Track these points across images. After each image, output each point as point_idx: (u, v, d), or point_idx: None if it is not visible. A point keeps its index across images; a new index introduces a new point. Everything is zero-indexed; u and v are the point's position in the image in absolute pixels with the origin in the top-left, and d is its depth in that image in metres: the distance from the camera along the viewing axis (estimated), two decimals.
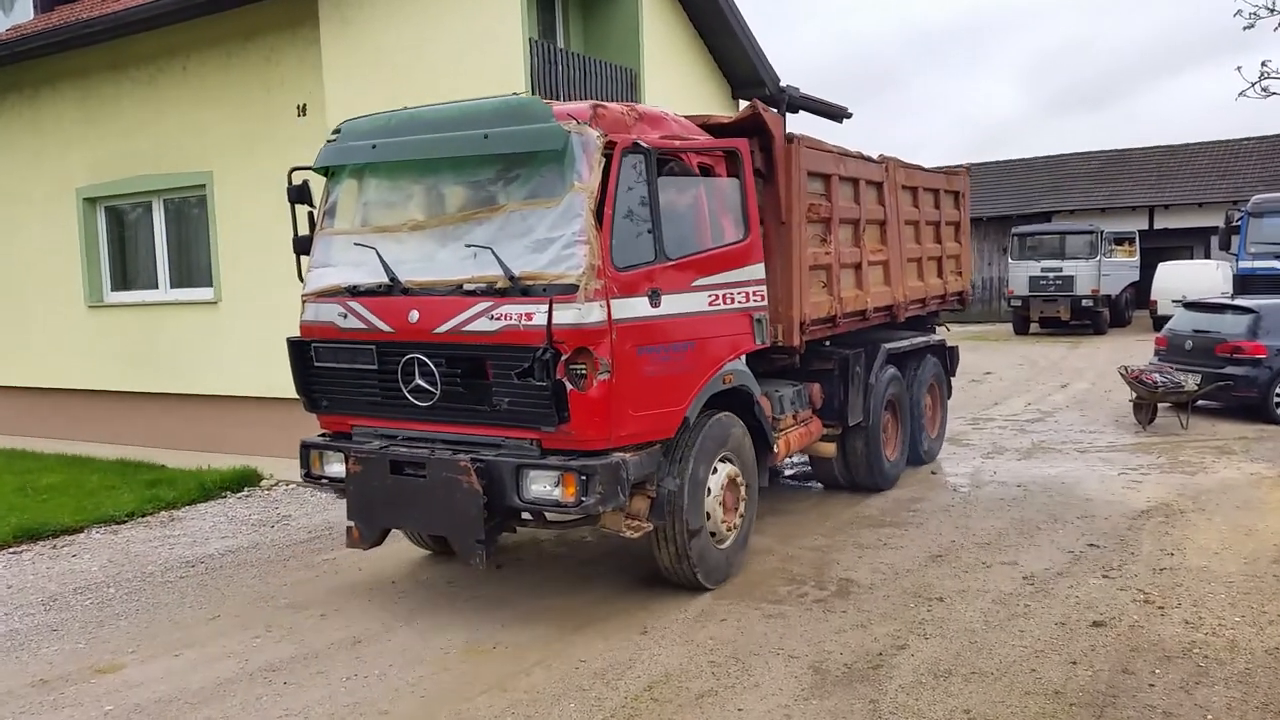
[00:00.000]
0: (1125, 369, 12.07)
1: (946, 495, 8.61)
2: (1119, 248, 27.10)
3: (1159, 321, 21.45)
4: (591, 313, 5.32)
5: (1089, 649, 5.17)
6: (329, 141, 6.41)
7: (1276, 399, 11.72)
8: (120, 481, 9.55)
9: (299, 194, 6.46)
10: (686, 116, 6.86)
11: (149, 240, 11.71)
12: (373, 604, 6.24)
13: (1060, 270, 24.78)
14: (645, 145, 5.68)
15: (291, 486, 9.43)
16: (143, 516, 8.54)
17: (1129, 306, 27.61)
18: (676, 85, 15.84)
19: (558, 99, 13.30)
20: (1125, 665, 4.96)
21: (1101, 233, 25.56)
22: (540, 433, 5.52)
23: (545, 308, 5.27)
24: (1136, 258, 27.57)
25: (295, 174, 6.49)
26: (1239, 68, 6.82)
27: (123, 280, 12.11)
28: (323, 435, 6.49)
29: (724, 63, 16.88)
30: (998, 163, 35.94)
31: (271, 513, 8.66)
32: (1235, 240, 16.42)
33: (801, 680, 4.90)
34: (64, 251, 12.10)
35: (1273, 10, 6.76)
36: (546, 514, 5.93)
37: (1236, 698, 4.58)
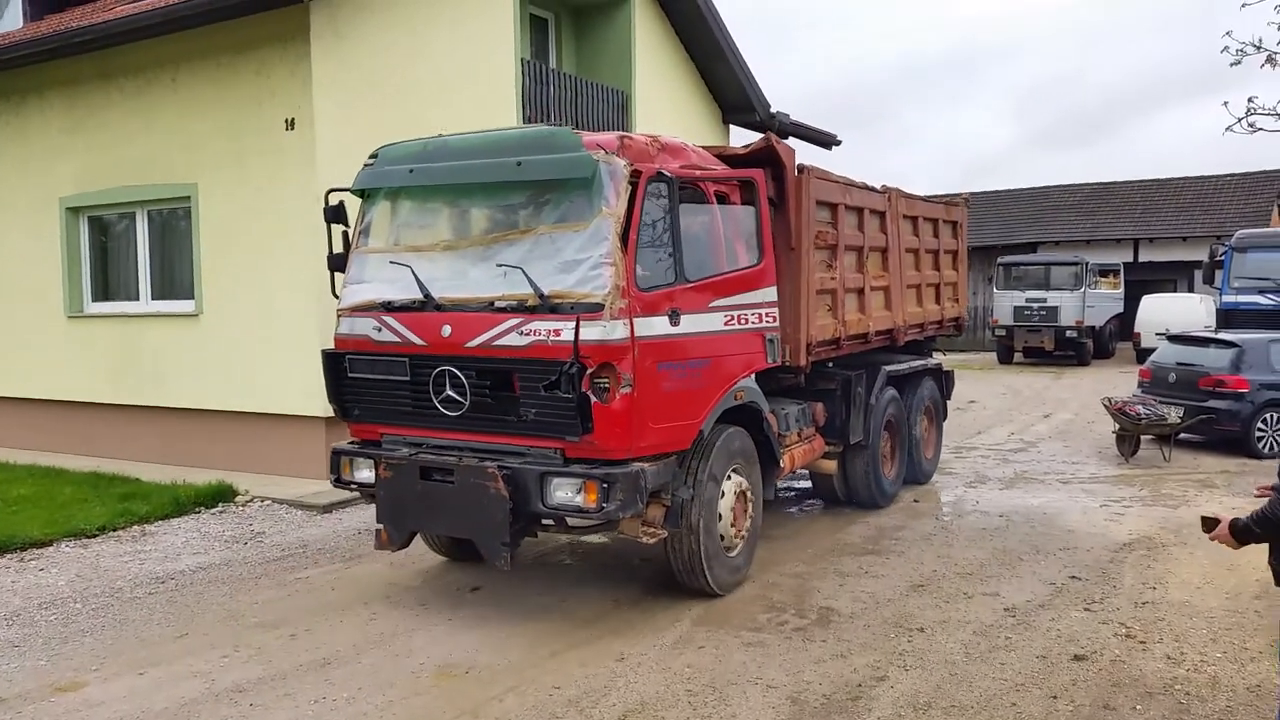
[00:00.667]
0: (1109, 400, 12.08)
1: (929, 524, 8.55)
2: (1104, 279, 27.26)
3: (1142, 354, 21.54)
4: (616, 330, 5.63)
5: (1070, 683, 5.11)
6: (366, 165, 6.74)
7: (1258, 433, 11.74)
8: (93, 494, 9.40)
9: (335, 214, 6.80)
10: (704, 147, 7.10)
11: (132, 251, 11.61)
12: (345, 625, 6.12)
13: (1045, 301, 24.89)
14: (668, 174, 6.02)
15: (267, 503, 9.30)
16: (114, 530, 8.38)
17: (1113, 338, 27.74)
18: (667, 108, 15.88)
19: (548, 120, 13.31)
20: (1106, 701, 4.90)
21: (1086, 264, 25.71)
22: (564, 442, 5.80)
23: (573, 324, 5.52)
24: (1121, 290, 27.73)
25: (332, 195, 6.82)
26: (1226, 103, 6.84)
27: (104, 291, 11.99)
28: (352, 443, 6.74)
29: (715, 87, 16.94)
30: (985, 193, 36.17)
31: (245, 529, 8.53)
32: (1219, 274, 16.50)
33: (779, 711, 4.82)
34: (46, 261, 11.98)
35: (1259, 47, 6.77)
36: (567, 519, 6.16)
37: None
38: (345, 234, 6.94)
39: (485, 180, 6.19)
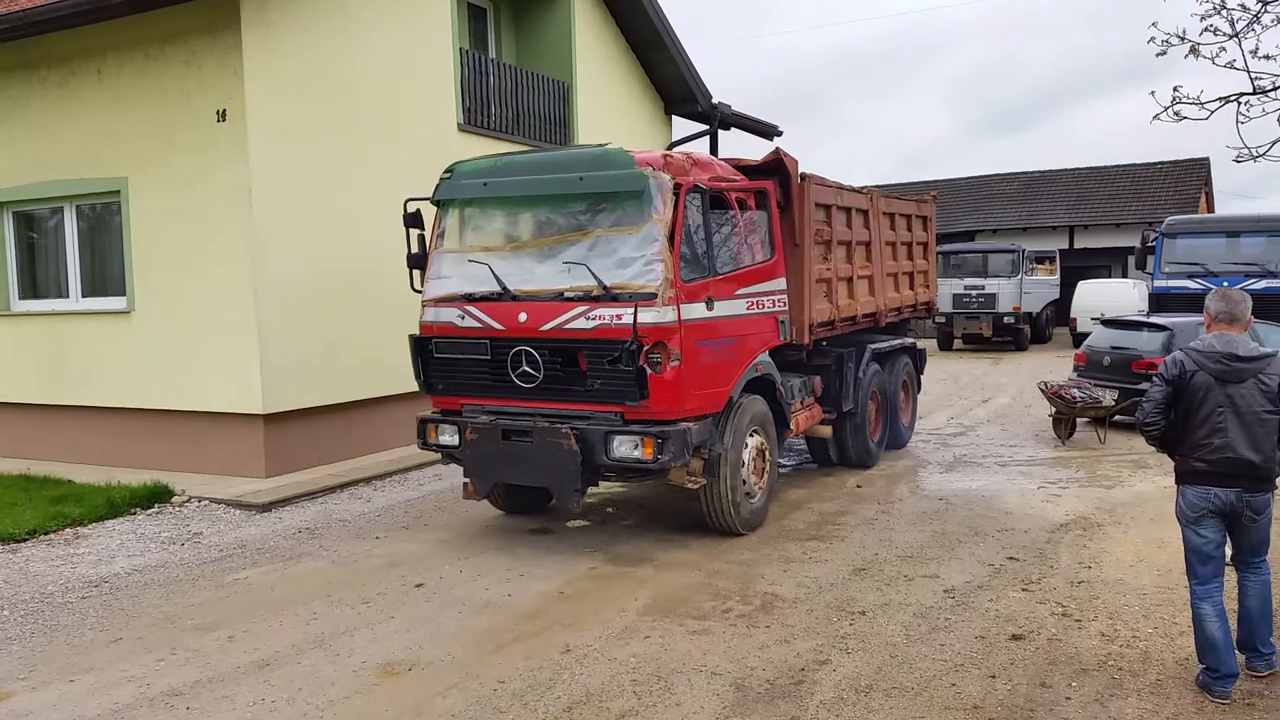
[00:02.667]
0: (1045, 384, 12.32)
1: (870, 508, 8.66)
2: (1040, 266, 27.79)
3: (1078, 338, 22.00)
4: (667, 314, 6.90)
5: (1008, 662, 5.21)
6: (443, 179, 7.90)
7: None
8: (23, 497, 9.12)
9: (412, 220, 7.91)
10: (725, 159, 8.42)
11: (60, 247, 11.28)
12: (284, 625, 6.02)
13: (983, 288, 25.32)
14: (703, 186, 7.28)
15: (204, 503, 9.12)
16: (45, 534, 8.14)
17: (1049, 324, 28.32)
18: (610, 99, 15.84)
19: (488, 109, 13.20)
20: (1043, 679, 5.00)
21: (1023, 252, 26.19)
22: (624, 407, 7.04)
23: (632, 310, 6.80)
24: (1057, 276, 28.29)
25: (409, 203, 7.90)
26: (1153, 92, 6.99)
27: (32, 288, 11.64)
28: (435, 413, 7.88)
29: (657, 78, 16.93)
30: (923, 183, 36.64)
31: (182, 530, 8.35)
32: (1151, 260, 16.90)
33: (723, 698, 4.84)
34: None
35: (1183, 39, 6.93)
36: (628, 470, 7.20)
37: (1149, 709, 4.64)
38: (421, 237, 8.01)
39: (552, 193, 7.38)
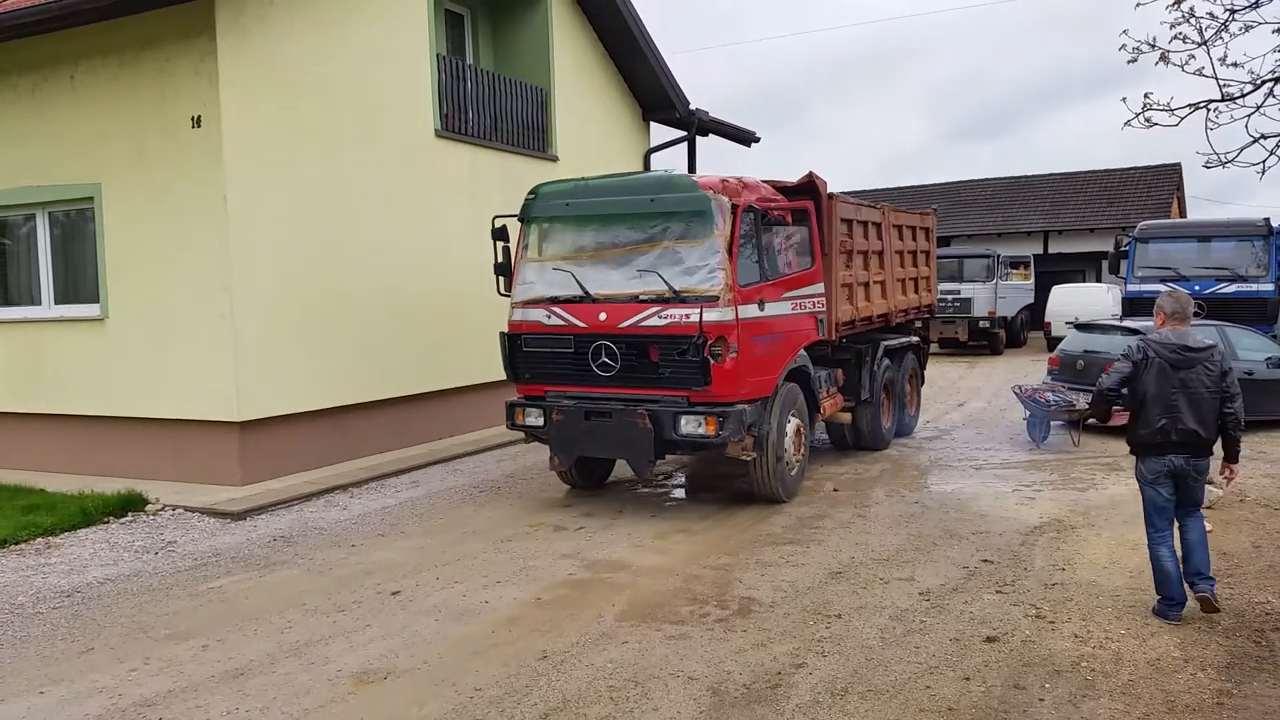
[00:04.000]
0: (1019, 388, 12.42)
1: (847, 512, 8.70)
2: (1015, 271, 28.01)
3: (1053, 342, 22.19)
4: (727, 314, 8.17)
5: (982, 665, 5.24)
6: (528, 199, 9.15)
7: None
8: None
9: (500, 234, 9.31)
10: (765, 181, 9.44)
11: (32, 254, 11.16)
12: (259, 634, 5.98)
13: (958, 292, 25.47)
14: (756, 206, 8.64)
15: (178, 511, 9.05)
16: (16, 544, 8.05)
17: (1024, 328, 28.53)
18: (588, 105, 15.86)
19: (466, 115, 13.19)
20: (1017, 680, 5.04)
21: (998, 256, 26.39)
22: (689, 391, 8.26)
23: (698, 311, 8.08)
24: (1031, 281, 28.52)
25: (497, 220, 9.32)
26: (1124, 99, 7.09)
27: (4, 295, 11.51)
28: (521, 398, 9.06)
29: (635, 85, 16.97)
30: (900, 189, 36.90)
31: (156, 539, 8.28)
32: (1124, 264, 17.09)
33: (700, 702, 4.85)
34: None
35: (1153, 46, 7.02)
36: (693, 444, 8.47)
37: (1120, 709, 4.68)
38: (506, 249, 9.36)
39: (627, 212, 8.64)
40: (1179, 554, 5.98)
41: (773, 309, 8.84)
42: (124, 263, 10.28)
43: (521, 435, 9.43)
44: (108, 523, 8.75)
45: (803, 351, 9.44)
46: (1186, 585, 5.92)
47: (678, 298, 8.22)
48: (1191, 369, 5.80)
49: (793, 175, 10.01)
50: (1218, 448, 6.02)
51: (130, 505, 9.07)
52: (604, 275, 8.65)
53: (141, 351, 10.24)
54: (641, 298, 8.38)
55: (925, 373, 13.86)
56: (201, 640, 5.89)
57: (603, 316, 8.47)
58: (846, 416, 11.01)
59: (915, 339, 13.11)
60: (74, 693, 5.18)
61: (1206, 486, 7.47)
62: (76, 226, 10.86)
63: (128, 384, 10.34)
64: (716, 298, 8.12)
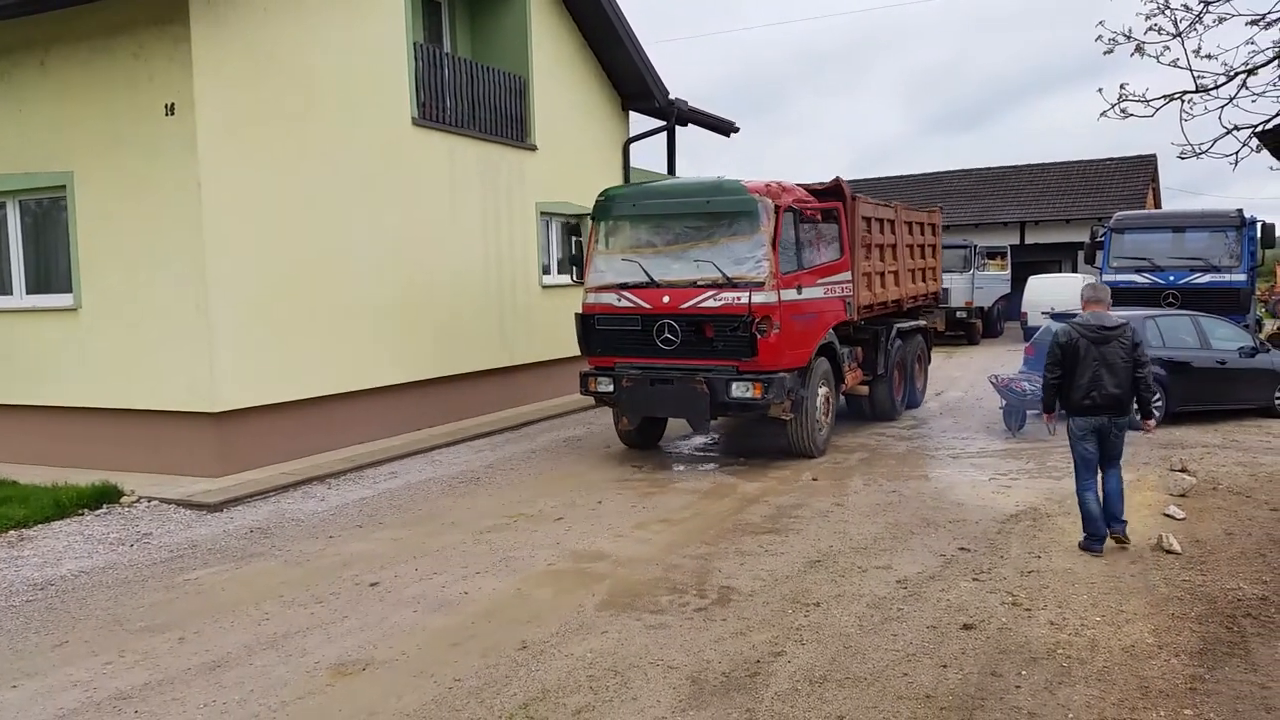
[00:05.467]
0: (995, 377, 12.50)
1: (825, 501, 8.73)
2: (991, 262, 28.14)
3: (1029, 332, 22.32)
4: (771, 297, 9.73)
5: (959, 652, 5.28)
6: (599, 201, 10.77)
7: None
8: None
9: (573, 229, 12.02)
10: (798, 184, 10.98)
11: (3, 244, 10.99)
12: (236, 626, 5.94)
13: None
14: (795, 206, 10.26)
15: (154, 503, 8.97)
16: None
17: (1001, 318, 28.70)
18: (567, 94, 15.80)
19: (443, 103, 13.11)
20: (993, 667, 5.08)
21: (975, 247, 26.51)
22: (739, 362, 9.84)
23: (747, 294, 9.67)
24: (1008, 271, 28.68)
25: (574, 219, 10.95)
26: (1100, 89, 7.14)
27: None
28: (593, 369, 10.64)
29: (614, 74, 16.92)
30: (878, 179, 36.99)
31: (131, 531, 8.21)
32: (1099, 255, 17.19)
33: (679, 691, 4.86)
34: None
35: (1129, 37, 7.06)
36: (742, 406, 10.01)
37: (1096, 695, 4.73)
38: (578, 243, 11.56)
39: (686, 211, 10.26)
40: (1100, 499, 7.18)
41: (808, 293, 10.39)
42: (97, 252, 10.16)
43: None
44: (82, 515, 8.66)
45: (831, 331, 10.96)
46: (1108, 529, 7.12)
47: (730, 283, 9.75)
48: (1108, 344, 7.03)
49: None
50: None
51: (105, 497, 8.98)
52: (665, 265, 10.19)
53: (116, 342, 10.13)
54: (699, 283, 9.92)
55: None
56: (178, 632, 5.85)
57: (666, 299, 10.05)
58: (864, 389, 12.51)
59: (924, 323, 14.78)
60: (47, 686, 5.13)
61: (1180, 476, 8.16)
62: (49, 215, 10.72)
63: (102, 375, 10.24)
64: (762, 283, 9.68)
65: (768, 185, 10.07)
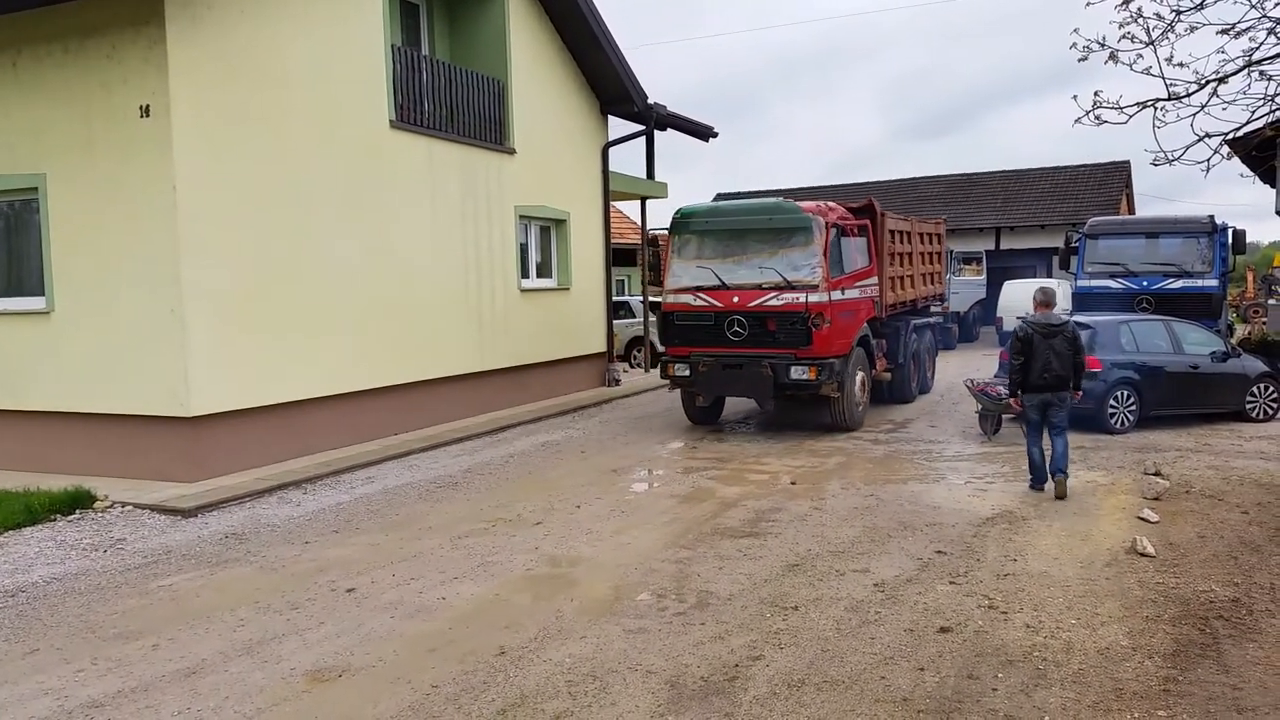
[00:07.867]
0: (971, 382, 12.59)
1: (803, 505, 8.76)
2: (967, 267, 28.35)
3: (1004, 337, 22.49)
4: (823, 297, 11.88)
5: (936, 655, 5.31)
6: (678, 219, 12.92)
7: (1110, 410, 12.40)
8: None
9: (652, 242, 14.88)
10: (836, 203, 13.38)
11: None
12: (211, 633, 5.89)
13: None
14: (839, 223, 12.50)
15: (128, 508, 8.88)
16: None
17: (976, 323, 28.90)
18: (545, 97, 15.79)
19: (421, 106, 13.07)
20: (970, 670, 5.10)
21: (951, 252, 26.66)
22: (797, 350, 11.95)
23: (804, 295, 11.84)
24: (983, 276, 28.88)
25: (651, 232, 14.74)
26: (1074, 96, 7.22)
27: None
28: (671, 356, 12.77)
29: (593, 78, 16.93)
30: (853, 185, 37.13)
31: (105, 536, 8.12)
32: (1074, 260, 17.34)
33: (658, 696, 4.85)
34: None
35: (1103, 45, 7.15)
36: (799, 386, 12.14)
37: (1071, 698, 4.76)
38: (657, 253, 14.36)
39: (751, 227, 12.43)
40: (1046, 455, 9.17)
41: (849, 294, 12.59)
42: (70, 255, 10.05)
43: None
44: (54, 520, 8.56)
45: (866, 325, 13.16)
46: (1050, 474, 9.11)
47: (789, 286, 11.92)
48: (1055, 337, 9.00)
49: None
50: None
51: (78, 502, 8.89)
52: (733, 270, 12.32)
53: (89, 345, 10.03)
54: (764, 286, 12.07)
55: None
56: (151, 639, 5.79)
57: (735, 299, 12.17)
58: (888, 376, 14.40)
59: (935, 319, 17.25)
60: (17, 695, 5.06)
61: (1154, 479, 8.40)
62: (21, 217, 10.60)
63: (75, 378, 10.13)
64: (816, 286, 11.86)
65: (818, 205, 12.46)
